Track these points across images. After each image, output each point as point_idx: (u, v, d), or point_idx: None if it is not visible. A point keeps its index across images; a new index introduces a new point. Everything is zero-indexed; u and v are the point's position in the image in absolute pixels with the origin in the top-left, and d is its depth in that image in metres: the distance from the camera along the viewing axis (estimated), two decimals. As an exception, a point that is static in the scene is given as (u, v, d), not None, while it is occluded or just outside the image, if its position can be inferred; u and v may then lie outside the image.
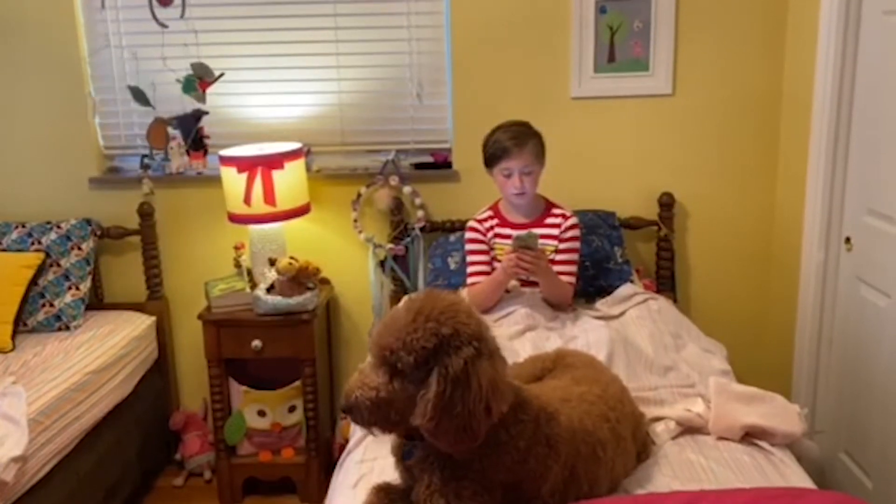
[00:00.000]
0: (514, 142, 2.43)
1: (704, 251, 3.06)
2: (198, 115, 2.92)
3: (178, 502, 2.94)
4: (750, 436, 1.84)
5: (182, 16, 2.90)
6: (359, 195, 3.03)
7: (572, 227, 2.53)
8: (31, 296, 2.82)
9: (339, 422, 3.09)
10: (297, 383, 2.89)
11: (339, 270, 3.13)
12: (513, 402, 1.43)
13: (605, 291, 2.65)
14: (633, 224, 2.97)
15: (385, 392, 1.35)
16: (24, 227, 2.96)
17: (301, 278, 2.80)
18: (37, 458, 2.23)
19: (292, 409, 2.92)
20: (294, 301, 2.77)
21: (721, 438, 1.84)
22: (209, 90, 2.92)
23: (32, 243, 2.91)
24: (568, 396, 1.62)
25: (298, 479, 2.90)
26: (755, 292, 3.09)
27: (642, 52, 2.91)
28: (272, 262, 2.82)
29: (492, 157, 2.48)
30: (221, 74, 2.90)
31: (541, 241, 2.41)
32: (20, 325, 2.78)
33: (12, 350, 2.68)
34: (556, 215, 2.55)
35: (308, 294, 2.80)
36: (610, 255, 2.76)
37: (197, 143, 2.96)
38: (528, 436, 1.45)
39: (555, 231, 2.52)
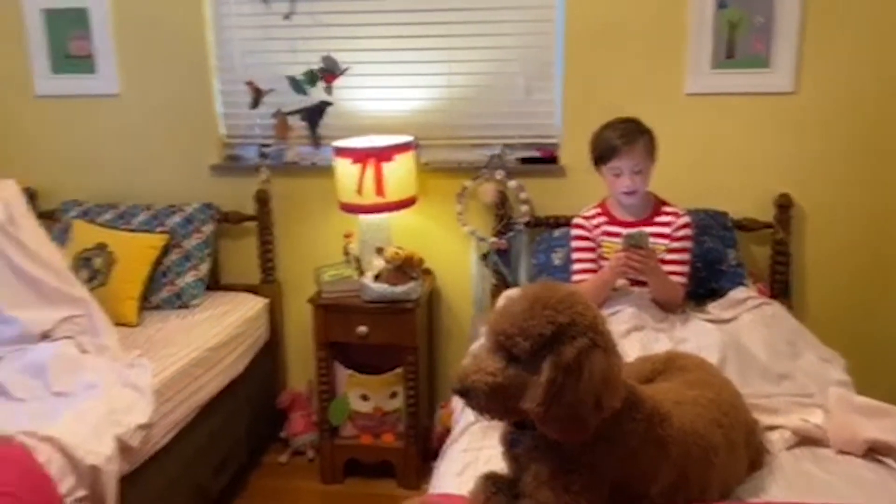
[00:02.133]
0: (623, 140, 2.39)
1: (824, 257, 2.92)
2: (322, 106, 3.01)
3: (282, 479, 3.06)
4: (874, 451, 1.75)
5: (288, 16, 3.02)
6: (464, 188, 3.06)
7: (685, 225, 2.47)
8: (156, 275, 2.99)
9: (438, 410, 3.14)
10: (399, 370, 2.96)
11: (442, 262, 3.17)
12: (626, 401, 1.42)
13: (717, 294, 2.57)
14: (748, 226, 2.86)
15: (501, 377, 1.36)
16: (150, 209, 3.15)
17: (406, 268, 2.86)
18: (159, 426, 2.37)
19: (394, 395, 2.99)
20: (399, 290, 2.83)
21: (841, 452, 1.76)
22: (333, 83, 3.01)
23: (158, 225, 3.09)
24: (680, 399, 1.59)
25: (397, 463, 2.97)
26: (878, 302, 2.92)
27: (763, 48, 2.80)
28: (379, 252, 2.90)
29: (601, 155, 2.45)
30: (347, 68, 3.00)
31: (651, 240, 2.37)
32: (145, 301, 2.96)
33: (138, 325, 2.86)
34: (668, 213, 2.50)
35: (412, 283, 2.85)
36: (722, 257, 2.67)
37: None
38: (640, 435, 1.43)
39: (666, 230, 2.47)
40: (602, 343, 1.37)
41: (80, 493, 2.01)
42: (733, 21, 2.79)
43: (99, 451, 2.05)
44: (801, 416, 1.86)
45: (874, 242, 2.89)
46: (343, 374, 3.00)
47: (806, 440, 1.81)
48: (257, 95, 3.05)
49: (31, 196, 2.64)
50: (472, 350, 1.45)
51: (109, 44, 3.16)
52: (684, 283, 2.46)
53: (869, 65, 2.75)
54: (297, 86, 3.04)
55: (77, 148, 3.30)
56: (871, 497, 1.60)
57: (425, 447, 3.05)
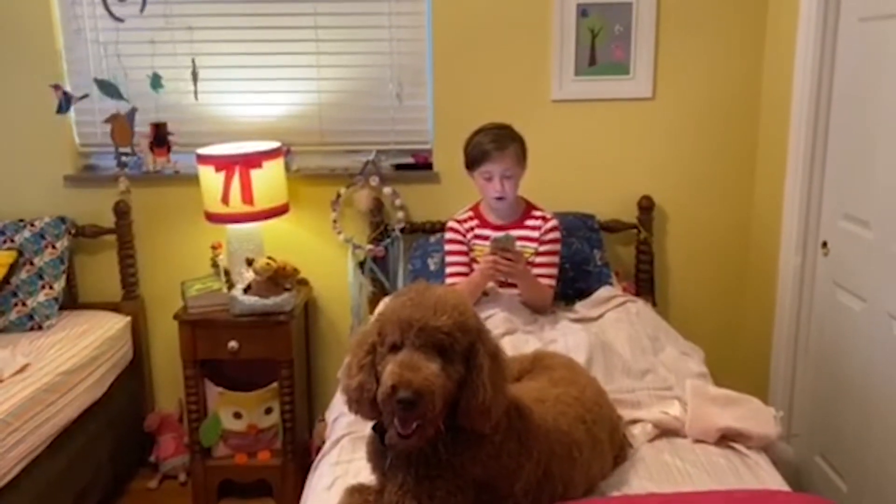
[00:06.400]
0: (494, 145, 2.42)
1: (683, 254, 3.08)
2: (133, 111, 2.96)
3: (152, 505, 2.91)
4: (726, 438, 1.84)
5: (142, 11, 2.92)
6: (338, 196, 3.01)
7: (552, 229, 2.53)
8: (3, 295, 2.78)
9: (317, 424, 3.07)
10: (274, 385, 2.86)
11: (318, 271, 3.11)
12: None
13: (584, 294, 2.64)
14: (613, 227, 2.97)
15: (443, 379, 1.31)
16: (-4, 224, 2.91)
17: (278, 279, 2.77)
18: (6, 459, 2.19)
19: (269, 410, 2.89)
20: (271, 302, 2.74)
21: (697, 441, 1.84)
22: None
23: (5, 241, 2.86)
24: (543, 397, 1.61)
25: (275, 481, 2.87)
26: (733, 296, 3.10)
27: (623, 56, 2.92)
28: (249, 263, 2.79)
29: (473, 159, 2.47)
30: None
31: (520, 243, 2.41)
32: (-9, 324, 2.74)
33: (-17, 350, 2.63)
34: (536, 217, 2.55)
35: (285, 295, 2.77)
36: (589, 258, 2.76)
37: (160, 141, 2.93)
38: (502, 430, 1.44)
39: (534, 234, 2.52)
40: None
41: None
42: (594, 29, 2.89)
43: (-72, 491, 1.86)
44: (661, 408, 1.94)
45: (729, 239, 3.06)
46: (213, 392, 2.87)
47: (665, 432, 1.88)
48: (66, 100, 2.88)
49: None
50: (401, 357, 1.33)
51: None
52: (552, 284, 2.51)
53: (719, 73, 2.93)
54: (107, 89, 2.92)
55: None
56: (723, 481, 1.68)
57: (305, 462, 2.96)
